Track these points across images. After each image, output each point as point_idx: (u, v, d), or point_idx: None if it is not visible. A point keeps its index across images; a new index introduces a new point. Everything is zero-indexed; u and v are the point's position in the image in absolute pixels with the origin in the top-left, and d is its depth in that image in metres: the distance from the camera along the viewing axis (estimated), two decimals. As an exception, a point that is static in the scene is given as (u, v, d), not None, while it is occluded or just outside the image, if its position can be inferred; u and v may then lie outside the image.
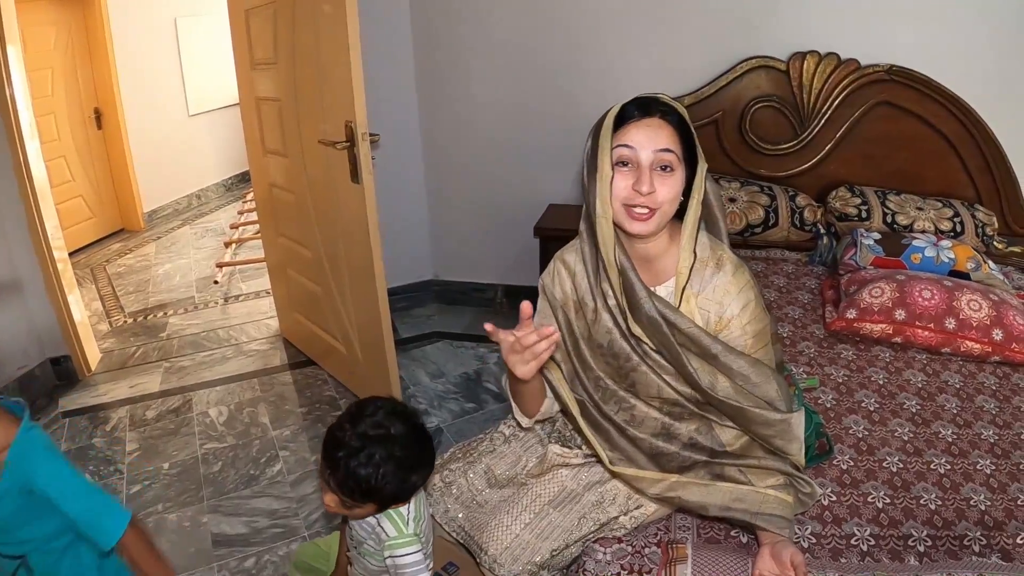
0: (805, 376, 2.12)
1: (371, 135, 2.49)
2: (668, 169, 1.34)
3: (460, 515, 1.62)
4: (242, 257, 5.06)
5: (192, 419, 3.17)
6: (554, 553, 1.49)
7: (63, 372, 3.48)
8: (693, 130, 1.39)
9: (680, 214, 1.42)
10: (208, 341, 3.93)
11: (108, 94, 5.36)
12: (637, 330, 1.43)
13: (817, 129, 3.11)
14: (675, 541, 1.48)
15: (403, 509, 1.47)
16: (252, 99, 3.30)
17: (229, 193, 6.66)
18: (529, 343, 1.29)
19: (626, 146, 1.34)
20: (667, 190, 1.34)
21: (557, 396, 1.56)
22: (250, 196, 6.16)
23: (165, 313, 4.29)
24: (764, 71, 3.11)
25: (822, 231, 2.98)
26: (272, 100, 3.12)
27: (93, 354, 3.64)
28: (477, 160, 3.81)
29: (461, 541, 1.61)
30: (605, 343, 1.48)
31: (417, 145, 3.85)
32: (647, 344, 1.44)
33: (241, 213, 5.90)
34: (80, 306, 3.56)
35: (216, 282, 4.70)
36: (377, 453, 1.36)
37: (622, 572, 1.42)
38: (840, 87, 3.03)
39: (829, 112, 3.07)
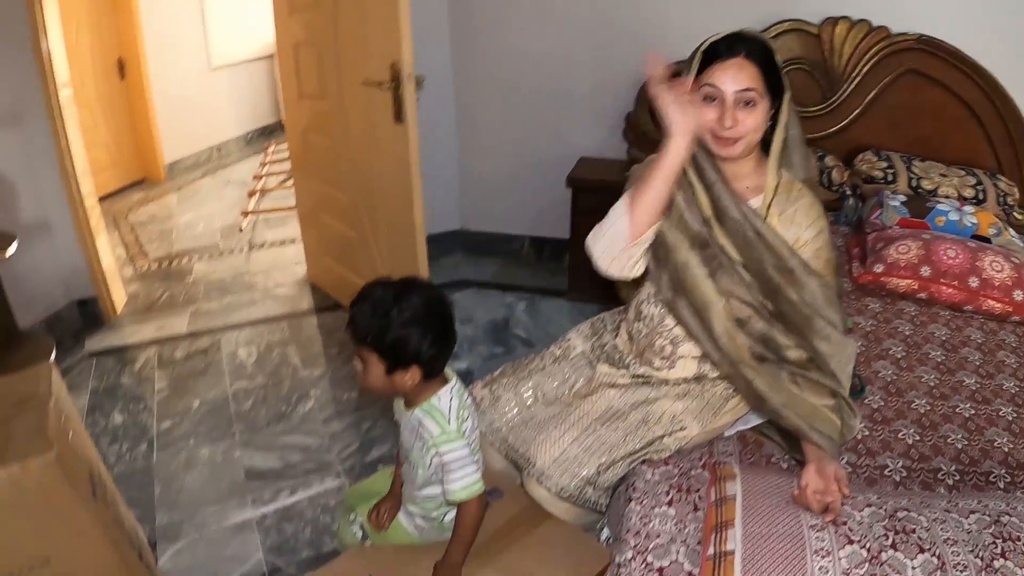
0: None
1: (416, 76, 2.54)
2: (751, 104, 1.48)
3: (507, 429, 1.69)
4: (266, 207, 5.10)
5: (221, 359, 3.23)
6: (600, 469, 1.56)
7: (89, 314, 3.52)
8: (779, 62, 1.50)
9: (768, 140, 1.55)
10: (234, 286, 3.97)
11: (132, 45, 5.36)
12: (722, 238, 1.53)
13: (846, 94, 3.15)
14: (721, 463, 1.55)
15: (443, 406, 1.47)
16: (289, 45, 3.34)
17: (249, 147, 6.66)
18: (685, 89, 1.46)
19: (710, 85, 1.49)
20: (751, 122, 1.49)
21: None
22: (272, 149, 6.22)
23: (189, 259, 4.33)
24: (796, 34, 3.14)
25: (848, 193, 3.02)
26: (311, 44, 3.16)
27: (119, 297, 3.68)
28: (509, 110, 3.84)
29: (507, 455, 1.68)
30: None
31: (449, 94, 3.88)
32: (730, 251, 1.54)
33: (263, 165, 5.92)
34: (107, 249, 3.60)
35: (241, 230, 4.73)
36: (413, 310, 1.38)
37: (671, 491, 1.48)
38: (870, 54, 3.06)
39: (858, 78, 3.11)
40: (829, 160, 3.11)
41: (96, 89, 5.21)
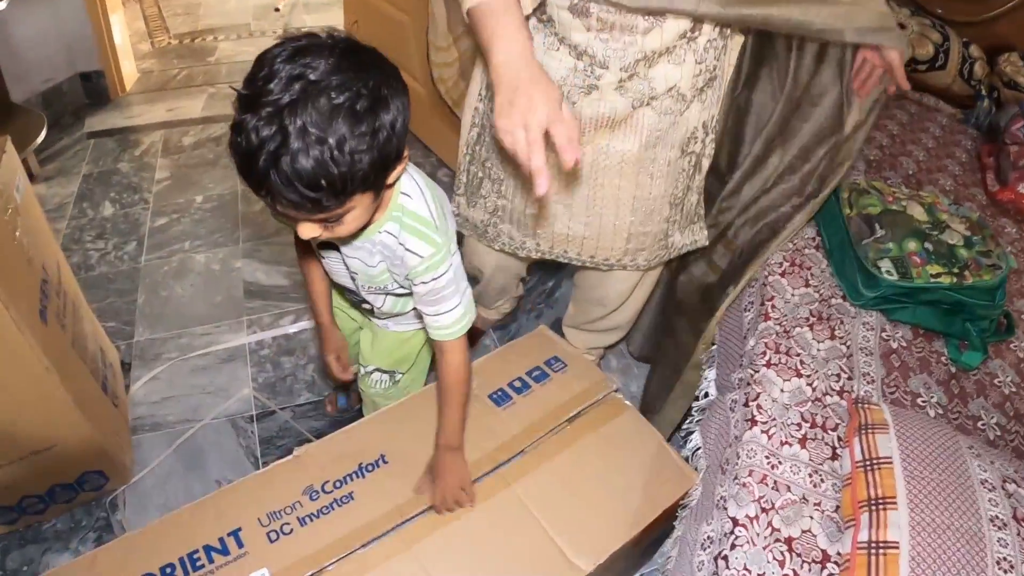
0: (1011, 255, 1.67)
1: None
2: None
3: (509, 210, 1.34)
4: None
5: (235, 153, 2.78)
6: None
7: (93, 89, 3.10)
8: None
9: None
10: (260, 72, 3.45)
11: None
12: None
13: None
14: (865, 400, 1.09)
15: (416, 203, 1.01)
16: None
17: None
18: None
19: None
20: None
21: None
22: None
23: (215, 37, 3.79)
24: None
25: (984, 93, 2.46)
26: None
27: (130, 72, 3.24)
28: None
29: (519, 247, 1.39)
30: None
31: None
32: None
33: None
34: (120, 17, 3.09)
35: (277, 10, 4.14)
36: (310, 124, 0.78)
37: (803, 424, 1.04)
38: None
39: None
40: (974, 50, 2.52)
41: None
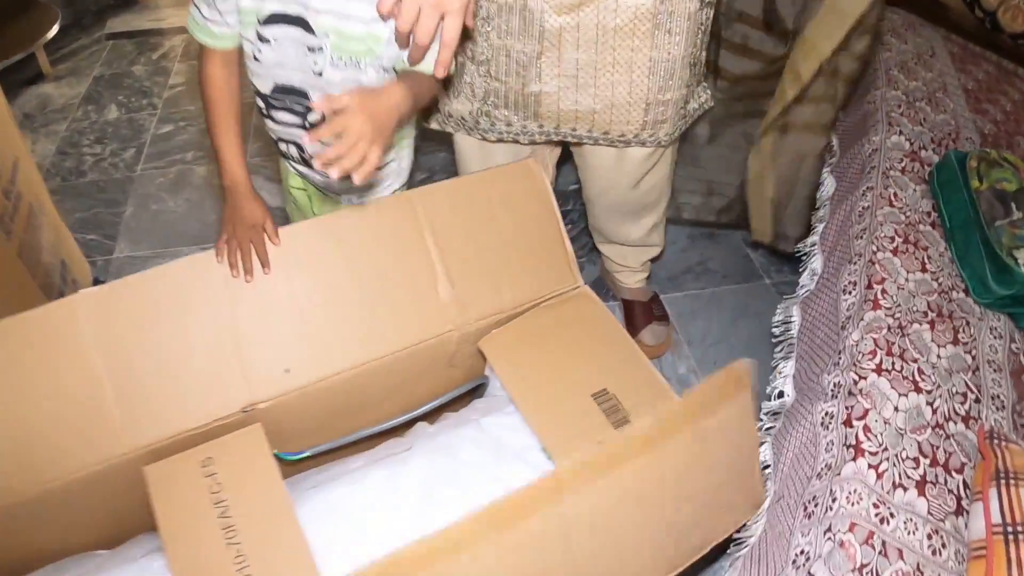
0: None
1: None
2: None
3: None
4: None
5: (259, 63, 2.52)
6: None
7: (121, -12, 2.87)
8: None
9: None
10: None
11: None
12: None
13: None
14: (1002, 436, 0.79)
15: None
16: None
17: None
18: None
19: None
20: None
21: None
22: None
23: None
24: None
25: None
26: None
27: (163, -32, 2.97)
28: None
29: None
30: None
31: None
32: None
33: None
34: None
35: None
36: None
37: (920, 460, 0.75)
38: None
39: None
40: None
41: None
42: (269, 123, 0.99)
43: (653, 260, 1.56)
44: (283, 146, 1.02)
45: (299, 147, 0.99)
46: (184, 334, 0.83)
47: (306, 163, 1.02)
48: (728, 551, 0.91)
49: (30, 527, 0.81)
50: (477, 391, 1.06)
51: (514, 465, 0.88)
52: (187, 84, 2.39)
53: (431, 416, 1.00)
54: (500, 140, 1.24)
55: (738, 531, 0.88)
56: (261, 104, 0.97)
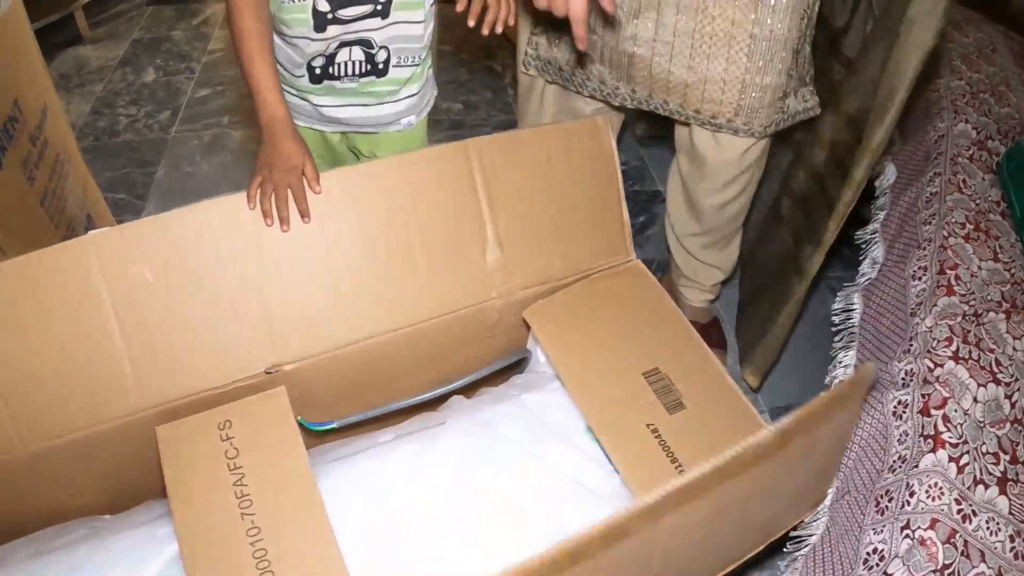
0: None
1: None
2: None
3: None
4: None
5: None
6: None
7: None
8: None
9: None
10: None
11: None
12: None
13: None
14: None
15: None
16: None
17: None
18: None
19: None
20: None
21: None
22: None
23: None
24: None
25: None
26: None
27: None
28: None
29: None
30: None
31: None
32: None
33: None
34: None
35: None
36: None
37: (1001, 456, 0.67)
38: None
39: None
40: None
41: None
42: (317, 38, 0.89)
43: (723, 283, 1.47)
44: (317, 69, 0.93)
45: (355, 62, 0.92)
46: (205, 284, 0.75)
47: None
48: (785, 549, 0.83)
49: (30, 486, 0.75)
50: (517, 366, 0.98)
51: (554, 445, 0.81)
52: (226, 50, 2.34)
53: (467, 391, 0.93)
54: (592, 97, 1.20)
55: (794, 529, 0.80)
56: (315, 16, 0.88)
